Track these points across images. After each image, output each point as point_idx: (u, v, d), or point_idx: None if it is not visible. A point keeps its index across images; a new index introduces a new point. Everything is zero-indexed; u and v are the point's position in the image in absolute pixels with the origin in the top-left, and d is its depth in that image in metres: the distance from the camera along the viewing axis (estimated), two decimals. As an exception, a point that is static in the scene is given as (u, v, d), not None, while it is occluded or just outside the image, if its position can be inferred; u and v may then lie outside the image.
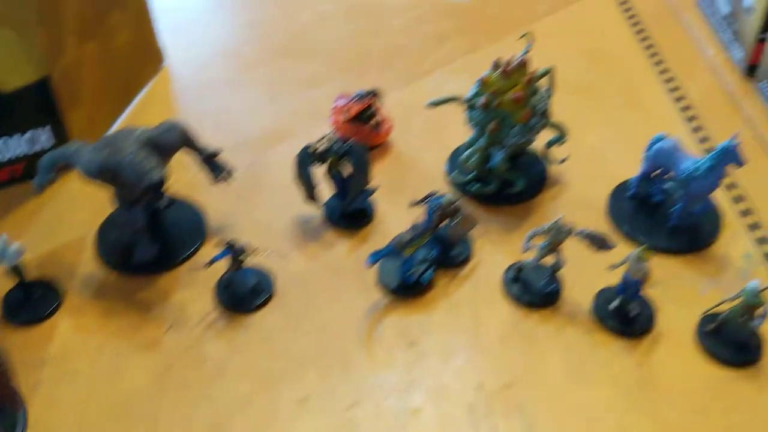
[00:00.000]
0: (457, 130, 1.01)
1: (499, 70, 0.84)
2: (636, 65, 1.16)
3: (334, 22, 1.28)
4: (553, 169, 0.97)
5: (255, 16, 1.29)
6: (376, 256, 0.78)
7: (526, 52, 0.90)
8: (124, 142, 0.77)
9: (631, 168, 0.92)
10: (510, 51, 1.06)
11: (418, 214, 0.90)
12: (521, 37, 0.91)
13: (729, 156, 0.79)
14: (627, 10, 1.28)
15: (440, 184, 0.96)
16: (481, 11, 1.28)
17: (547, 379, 0.75)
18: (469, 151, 0.89)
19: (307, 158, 0.86)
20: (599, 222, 0.90)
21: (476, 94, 0.87)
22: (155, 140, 0.80)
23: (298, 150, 0.89)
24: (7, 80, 0.89)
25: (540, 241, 0.80)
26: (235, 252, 0.79)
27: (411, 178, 0.97)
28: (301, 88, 1.13)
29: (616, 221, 0.89)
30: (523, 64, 0.85)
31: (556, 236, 0.78)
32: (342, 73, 1.16)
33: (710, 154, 0.81)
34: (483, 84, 0.85)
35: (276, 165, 0.99)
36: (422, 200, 0.83)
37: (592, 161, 0.98)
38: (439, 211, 0.80)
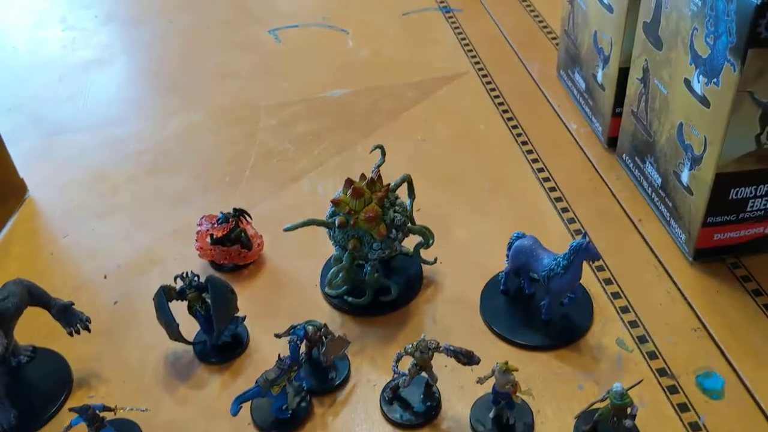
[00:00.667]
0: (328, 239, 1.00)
1: (350, 190, 0.83)
2: (502, 146, 1.17)
3: (204, 129, 1.26)
4: (427, 269, 0.96)
5: (118, 133, 1.27)
6: (239, 401, 0.75)
7: (380, 166, 0.90)
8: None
9: (502, 259, 0.92)
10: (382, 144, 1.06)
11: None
12: (372, 151, 0.91)
13: (582, 253, 0.80)
14: (492, 90, 1.30)
15: (316, 298, 0.94)
16: (352, 105, 1.29)
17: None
18: (333, 270, 0.87)
19: (164, 299, 0.83)
20: (475, 320, 0.90)
21: (332, 215, 0.86)
22: (-7, 309, 0.76)
23: (166, 278, 0.86)
24: None
25: (408, 361, 0.78)
26: (90, 416, 0.75)
27: (286, 296, 0.95)
28: (169, 207, 1.11)
29: (490, 320, 0.88)
30: (373, 181, 0.85)
31: (422, 356, 0.76)
32: (212, 186, 1.14)
33: (565, 253, 0.81)
34: (336, 205, 0.84)
35: (143, 297, 0.95)
36: (286, 332, 0.80)
37: (463, 256, 0.98)
38: (302, 342, 0.78)
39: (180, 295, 0.84)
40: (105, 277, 0.99)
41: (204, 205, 1.09)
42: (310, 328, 0.79)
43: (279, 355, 0.78)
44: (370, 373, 0.85)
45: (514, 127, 1.21)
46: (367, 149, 1.18)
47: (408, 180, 0.91)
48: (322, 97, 1.31)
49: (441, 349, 0.76)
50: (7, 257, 1.03)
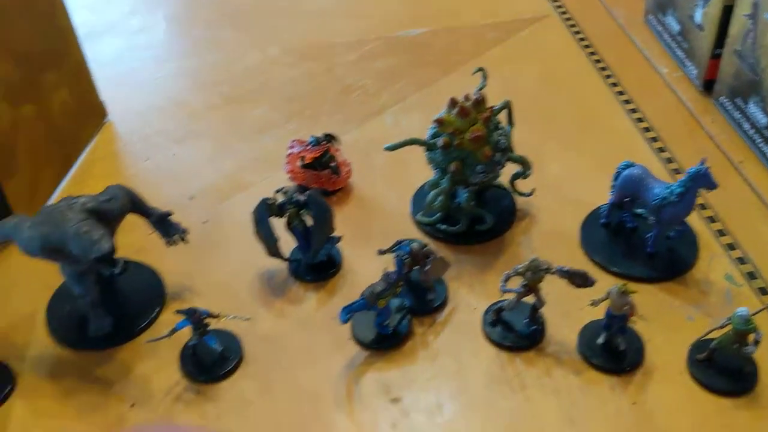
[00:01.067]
0: (419, 167, 0.98)
1: (456, 109, 0.81)
2: (592, 88, 1.14)
3: (281, 64, 1.24)
4: (522, 202, 0.94)
5: (197, 63, 1.25)
6: (348, 311, 0.74)
7: (482, 88, 0.87)
8: (65, 214, 0.71)
9: (600, 194, 0.90)
10: (463, 83, 1.04)
11: (387, 261, 0.86)
12: (475, 73, 0.89)
13: (700, 180, 0.77)
14: (577, 33, 1.27)
15: (407, 226, 0.92)
16: (430, 44, 1.26)
17: (541, 426, 0.71)
18: (433, 193, 0.85)
19: (265, 212, 0.82)
20: (574, 253, 0.87)
21: (434, 135, 0.83)
22: (99, 209, 0.74)
23: (254, 201, 0.85)
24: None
25: (517, 282, 0.76)
26: (196, 319, 0.74)
27: (376, 221, 0.93)
28: (252, 135, 1.09)
29: (591, 252, 0.86)
30: (479, 101, 0.82)
31: (533, 276, 0.74)
32: (293, 117, 1.12)
33: (681, 180, 0.78)
34: (440, 124, 0.82)
35: (232, 219, 0.94)
36: (390, 248, 0.79)
37: (559, 191, 0.95)
38: (408, 258, 0.76)
39: (279, 210, 0.83)
40: (191, 199, 0.98)
41: (286, 135, 1.07)
42: (415, 245, 0.77)
43: (385, 269, 0.76)
44: (469, 298, 0.83)
45: (603, 69, 1.18)
46: (448, 86, 1.15)
47: (508, 106, 0.88)
48: (399, 36, 1.29)
49: (554, 270, 0.74)
50: (90, 177, 1.02)
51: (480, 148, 0.81)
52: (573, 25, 1.29)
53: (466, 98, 0.83)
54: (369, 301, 0.74)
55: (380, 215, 0.94)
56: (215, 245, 0.91)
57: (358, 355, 0.78)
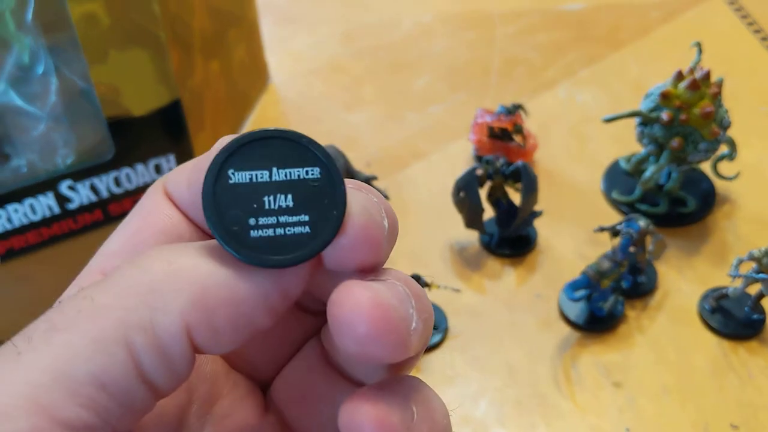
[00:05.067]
0: (601, 144, 0.95)
1: (686, 82, 0.77)
2: (770, 73, 1.10)
3: (438, 32, 1.21)
4: (721, 187, 0.90)
5: (349, 28, 1.23)
6: (573, 288, 0.71)
7: (697, 63, 0.83)
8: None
9: (808, 183, 0.85)
10: (634, 61, 1.00)
11: (585, 239, 0.84)
12: (693, 46, 0.84)
13: None
14: (744, 17, 1.22)
15: (600, 203, 0.89)
16: (593, 20, 1.22)
17: (776, 421, 0.68)
18: (652, 169, 0.81)
19: (474, 181, 0.79)
20: (782, 242, 0.83)
21: (654, 108, 0.80)
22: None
23: (435, 171, 0.82)
24: (139, 103, 0.82)
25: (747, 268, 0.73)
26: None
27: (566, 197, 0.90)
28: (420, 103, 1.06)
29: (805, 242, 0.82)
30: (707, 76, 0.78)
31: (771, 262, 0.71)
32: (460, 87, 1.09)
33: None
34: (664, 97, 0.78)
35: (414, 187, 0.92)
36: (614, 226, 0.75)
37: (758, 176, 0.91)
38: (638, 237, 0.73)
39: (489, 178, 0.80)
40: (368, 165, 0.96)
41: (455, 106, 1.05)
42: (642, 222, 0.74)
43: (612, 247, 0.73)
44: (678, 282, 0.79)
45: (779, 54, 1.13)
46: (621, 63, 1.12)
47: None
48: (559, 9, 1.24)
49: (794, 257, 0.70)
50: (260, 137, 1.01)
51: (708, 125, 0.77)
52: (739, 9, 1.23)
53: (690, 72, 0.79)
54: (593, 280, 0.71)
55: (569, 191, 0.91)
56: (400, 214, 0.89)
57: (570, 336, 0.75)
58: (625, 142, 0.93)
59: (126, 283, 0.28)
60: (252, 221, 0.29)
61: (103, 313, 0.27)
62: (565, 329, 0.75)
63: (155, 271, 0.28)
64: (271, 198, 0.29)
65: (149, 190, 0.35)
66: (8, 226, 0.77)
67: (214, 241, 0.30)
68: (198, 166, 0.32)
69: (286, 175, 0.30)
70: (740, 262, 0.72)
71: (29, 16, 0.74)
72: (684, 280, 0.80)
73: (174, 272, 0.28)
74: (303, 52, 1.17)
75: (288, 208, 0.29)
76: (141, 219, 0.33)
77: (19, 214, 0.77)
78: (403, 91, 1.09)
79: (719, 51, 1.14)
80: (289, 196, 0.30)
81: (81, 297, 0.28)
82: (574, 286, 0.71)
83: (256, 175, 0.29)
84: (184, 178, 0.33)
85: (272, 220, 0.29)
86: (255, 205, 0.29)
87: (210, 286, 0.28)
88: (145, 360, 0.27)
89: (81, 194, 0.80)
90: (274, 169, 0.30)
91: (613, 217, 0.87)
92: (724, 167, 0.89)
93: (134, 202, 0.87)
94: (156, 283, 0.27)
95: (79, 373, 0.26)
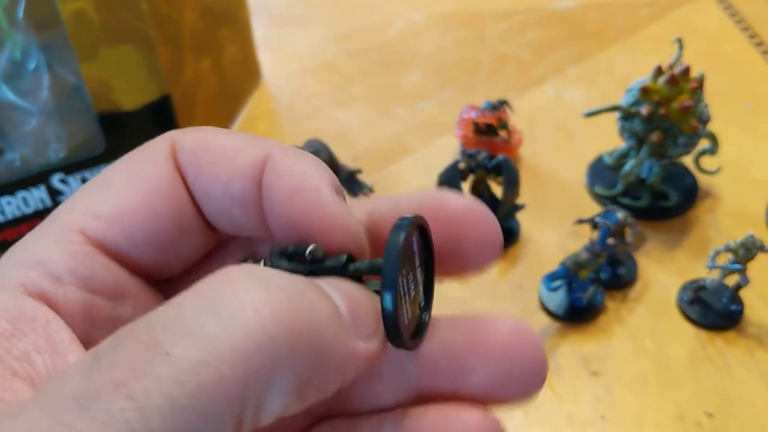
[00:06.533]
0: (585, 138, 0.96)
1: (665, 77, 0.78)
2: (757, 70, 1.11)
3: (429, 31, 1.22)
4: (703, 181, 0.91)
5: (342, 28, 1.24)
6: (550, 279, 0.72)
7: (678, 58, 0.85)
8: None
9: (788, 177, 0.87)
10: (623, 59, 1.01)
11: (567, 233, 0.85)
12: (674, 42, 0.86)
13: None
14: (733, 15, 1.23)
15: (583, 197, 0.90)
16: (583, 17, 1.23)
17: (750, 409, 0.69)
18: (632, 163, 0.83)
19: (456, 175, 0.81)
20: (763, 235, 0.84)
21: (635, 103, 0.81)
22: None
23: (422, 166, 0.83)
24: (129, 98, 0.83)
25: (723, 259, 0.74)
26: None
27: (550, 192, 0.91)
28: (410, 101, 1.08)
29: (785, 235, 0.83)
30: (687, 71, 0.80)
31: (747, 253, 0.72)
32: (449, 84, 1.10)
33: None
34: (644, 92, 0.79)
35: (401, 182, 0.94)
36: (592, 218, 0.77)
37: (739, 171, 0.92)
38: (616, 228, 0.74)
39: (471, 172, 0.81)
40: (355, 161, 0.97)
41: (444, 102, 1.06)
42: (621, 214, 0.75)
43: (590, 238, 0.75)
44: (658, 274, 0.81)
45: (766, 51, 1.14)
46: (609, 61, 1.13)
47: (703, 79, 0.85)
48: (549, 8, 1.26)
49: (769, 248, 0.72)
50: (255, 131, 1.02)
51: (686, 119, 0.78)
52: (729, 7, 1.25)
53: (669, 67, 0.81)
54: (571, 270, 0.73)
55: (554, 185, 0.92)
56: (387, 208, 0.91)
57: (550, 326, 0.76)
58: (610, 138, 0.94)
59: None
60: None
61: None
62: (545, 320, 0.77)
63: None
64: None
65: (150, 148, 0.30)
66: (2, 219, 0.79)
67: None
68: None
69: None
70: (717, 253, 0.73)
71: (21, 13, 0.76)
72: (664, 272, 0.81)
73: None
74: (296, 51, 1.19)
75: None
76: (138, 191, 0.29)
77: (12, 206, 0.79)
78: (394, 88, 1.10)
79: (708, 49, 1.16)
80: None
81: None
82: (552, 276, 0.73)
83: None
84: (224, 169, 0.29)
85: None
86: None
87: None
88: None
89: (72, 187, 0.81)
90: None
91: (596, 211, 0.88)
92: (706, 162, 0.90)
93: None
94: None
95: None
